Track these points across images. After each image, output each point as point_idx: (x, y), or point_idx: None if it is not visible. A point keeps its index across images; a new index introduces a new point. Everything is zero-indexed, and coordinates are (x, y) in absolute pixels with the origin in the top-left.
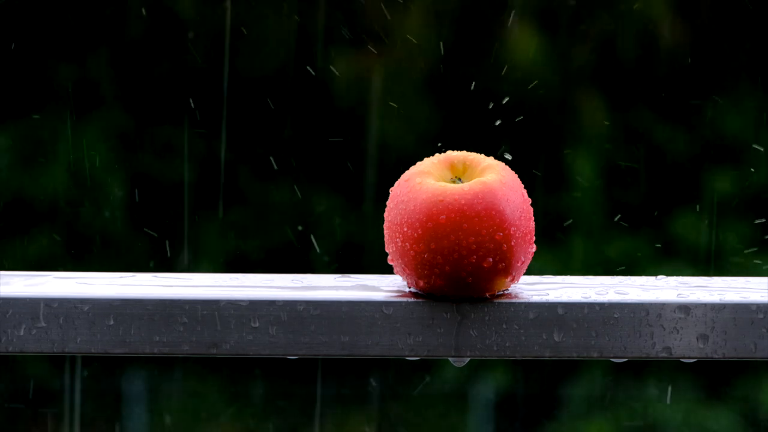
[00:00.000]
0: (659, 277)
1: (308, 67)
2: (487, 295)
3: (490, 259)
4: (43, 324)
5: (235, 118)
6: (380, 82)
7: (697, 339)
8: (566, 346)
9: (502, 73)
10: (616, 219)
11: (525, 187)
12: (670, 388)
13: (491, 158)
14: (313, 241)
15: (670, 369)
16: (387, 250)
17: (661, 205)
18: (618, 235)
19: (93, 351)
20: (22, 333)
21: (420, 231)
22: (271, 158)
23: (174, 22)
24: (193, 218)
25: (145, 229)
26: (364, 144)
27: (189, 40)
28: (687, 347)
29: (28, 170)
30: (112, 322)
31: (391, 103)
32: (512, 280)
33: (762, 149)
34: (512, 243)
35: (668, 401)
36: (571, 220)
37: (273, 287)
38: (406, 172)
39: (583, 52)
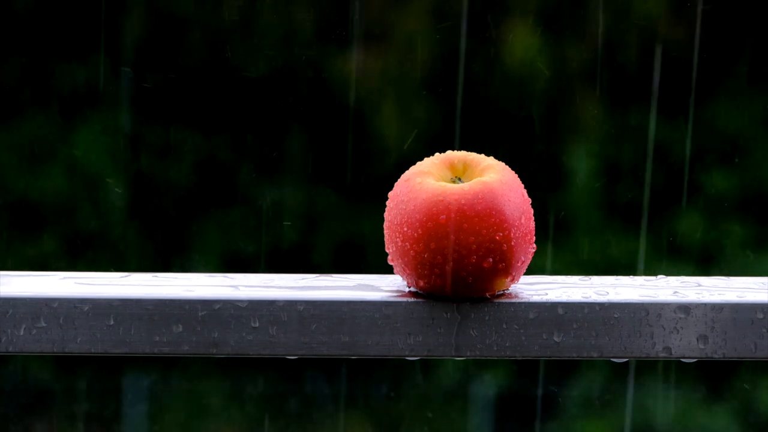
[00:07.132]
0: (659, 277)
1: (308, 66)
2: (487, 295)
3: (491, 259)
4: (43, 324)
5: (235, 117)
6: (380, 82)
7: (697, 339)
8: (566, 346)
9: (502, 72)
10: (616, 218)
11: (525, 187)
12: (669, 388)
13: (491, 158)
14: (313, 241)
15: (669, 369)
16: (387, 250)
17: (661, 204)
18: (618, 235)
19: (93, 351)
20: (22, 333)
21: (420, 231)
22: (270, 158)
23: (174, 22)
24: (193, 218)
25: (145, 229)
26: (364, 143)
27: (188, 39)
28: (687, 347)
29: (28, 170)
30: (112, 322)
31: (390, 103)
32: (512, 280)
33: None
34: (512, 243)
35: (668, 401)
36: (571, 220)
37: (273, 287)
38: (406, 172)
39: (582, 51)
